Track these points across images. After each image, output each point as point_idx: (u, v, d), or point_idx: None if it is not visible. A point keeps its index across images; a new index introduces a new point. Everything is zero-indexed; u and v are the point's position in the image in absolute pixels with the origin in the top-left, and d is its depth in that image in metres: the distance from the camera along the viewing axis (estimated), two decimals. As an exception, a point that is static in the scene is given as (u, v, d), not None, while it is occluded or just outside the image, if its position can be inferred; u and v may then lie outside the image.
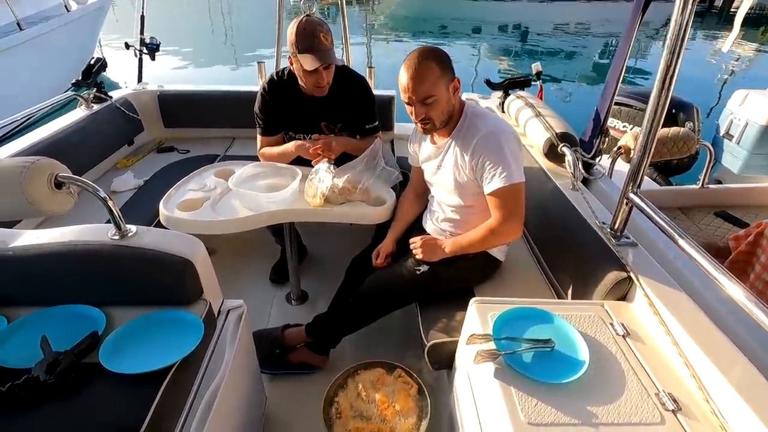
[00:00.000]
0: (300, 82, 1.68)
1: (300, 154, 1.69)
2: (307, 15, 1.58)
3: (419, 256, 1.41)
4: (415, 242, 1.44)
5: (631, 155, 1.94)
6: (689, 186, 2.27)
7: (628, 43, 1.62)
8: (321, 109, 1.75)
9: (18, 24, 4.87)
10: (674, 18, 1.01)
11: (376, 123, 1.87)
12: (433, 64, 1.22)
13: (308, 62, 1.53)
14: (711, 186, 2.23)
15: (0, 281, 1.08)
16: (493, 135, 1.26)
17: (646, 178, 2.50)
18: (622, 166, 2.19)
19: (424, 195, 1.62)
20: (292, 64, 1.63)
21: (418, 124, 1.31)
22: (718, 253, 1.81)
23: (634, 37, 1.63)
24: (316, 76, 1.59)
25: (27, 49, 5.04)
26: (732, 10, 17.79)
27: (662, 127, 2.06)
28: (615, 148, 1.81)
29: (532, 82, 2.59)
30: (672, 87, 1.07)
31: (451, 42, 11.61)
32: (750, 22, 15.72)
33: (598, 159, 1.82)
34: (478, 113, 1.35)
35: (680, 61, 1.04)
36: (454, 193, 1.39)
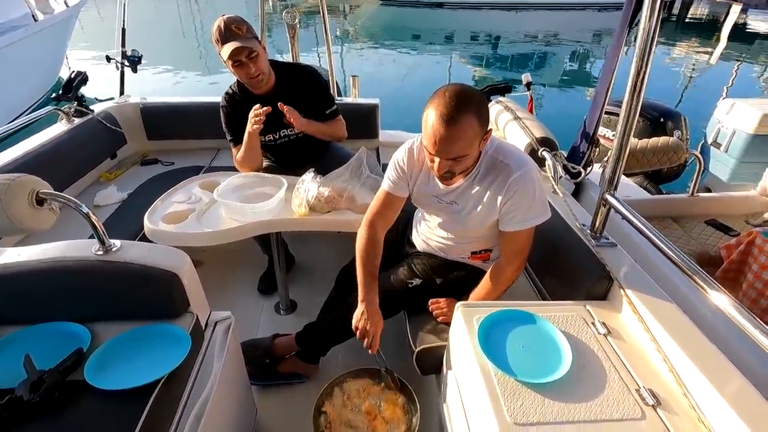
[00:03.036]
0: (241, 81, 1.75)
1: (252, 126, 1.68)
2: (225, 15, 1.66)
3: (443, 319, 1.37)
4: (440, 308, 1.39)
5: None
6: (679, 195, 2.30)
7: (617, 53, 1.62)
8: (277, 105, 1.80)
9: None
10: (642, 24, 1.05)
11: (335, 107, 1.93)
12: (473, 120, 1.04)
13: (225, 51, 1.60)
14: (701, 194, 2.24)
15: None
16: (527, 175, 1.16)
17: (637, 186, 2.56)
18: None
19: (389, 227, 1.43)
20: (226, 65, 1.68)
21: (435, 172, 1.16)
22: (710, 261, 1.82)
23: (623, 47, 1.64)
24: (244, 68, 1.65)
25: None
26: (689, 17, 18.48)
27: (651, 137, 2.10)
28: (605, 158, 1.83)
29: (522, 93, 2.63)
30: (643, 91, 1.10)
31: (425, 50, 11.80)
32: (705, 28, 16.34)
33: (588, 169, 1.83)
34: (497, 147, 1.22)
35: (650, 65, 1.08)
36: (461, 227, 1.33)
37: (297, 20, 2.58)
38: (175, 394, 0.99)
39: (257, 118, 1.64)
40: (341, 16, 17.52)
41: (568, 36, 13.93)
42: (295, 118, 1.70)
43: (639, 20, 1.07)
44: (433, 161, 1.13)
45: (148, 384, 0.92)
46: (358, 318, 1.31)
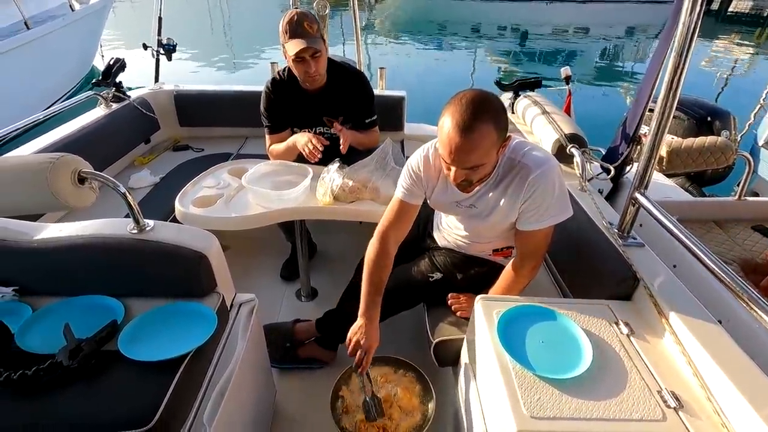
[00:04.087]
0: (296, 75, 1.75)
1: (298, 147, 1.74)
2: (296, 8, 1.68)
3: (462, 314, 1.37)
4: (460, 303, 1.39)
5: (664, 164, 1.89)
6: (725, 198, 2.18)
7: (666, 46, 1.53)
8: (321, 103, 1.82)
9: (25, 23, 4.99)
10: (682, 20, 1.01)
11: (375, 117, 1.93)
12: (490, 129, 1.00)
13: (292, 46, 1.60)
14: (749, 198, 2.12)
15: (24, 272, 1.14)
16: (545, 174, 1.12)
17: (678, 187, 2.47)
18: (655, 175, 2.15)
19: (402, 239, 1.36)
20: (286, 56, 1.70)
21: (452, 180, 1.13)
22: (756, 269, 1.72)
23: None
24: (304, 65, 1.65)
25: (33, 48, 5.17)
26: (729, 11, 17.49)
27: (697, 136, 2.00)
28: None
29: (561, 87, 2.54)
30: (680, 89, 1.07)
31: (451, 43, 11.65)
32: (747, 23, 15.40)
33: (628, 168, 1.76)
34: (514, 147, 1.18)
35: (688, 63, 1.04)
36: (481, 228, 1.32)
37: (328, 11, 2.60)
38: (201, 369, 1.03)
39: (312, 155, 1.67)
40: (366, 8, 17.45)
41: (600, 30, 13.51)
42: (345, 144, 1.72)
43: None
44: (449, 169, 1.09)
45: (176, 358, 0.96)
46: (354, 331, 1.23)
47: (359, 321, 1.24)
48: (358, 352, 1.19)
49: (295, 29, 1.60)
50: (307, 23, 1.61)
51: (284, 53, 1.68)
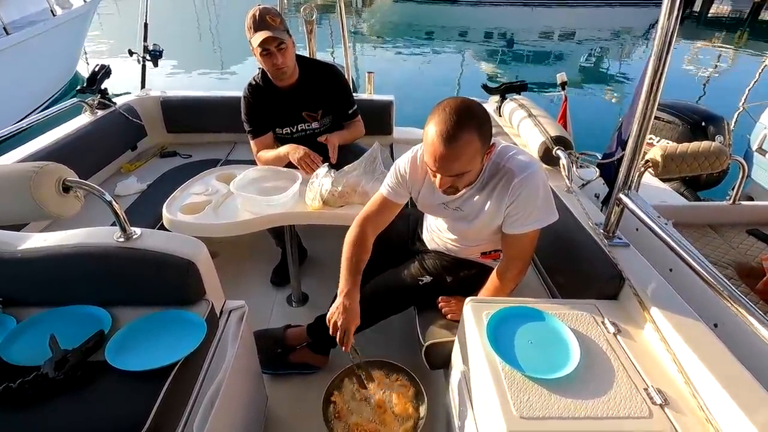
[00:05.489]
0: (266, 70, 1.76)
1: (291, 159, 1.75)
2: (260, 5, 1.70)
3: (452, 317, 1.37)
4: (450, 305, 1.39)
5: (659, 168, 1.93)
6: (720, 202, 2.21)
7: None
8: (299, 99, 1.84)
9: (4, 28, 4.92)
10: (661, 23, 1.04)
11: (356, 106, 1.96)
12: (474, 138, 1.02)
13: (256, 39, 1.62)
14: (743, 203, 2.15)
15: (9, 282, 1.12)
16: (530, 178, 1.14)
17: (673, 192, 2.51)
18: (651, 180, 2.18)
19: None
20: (254, 52, 1.71)
21: (437, 187, 1.15)
22: (751, 273, 1.75)
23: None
24: (271, 57, 1.67)
25: (13, 54, 5.10)
26: (710, 14, 17.91)
27: (692, 141, 2.04)
28: (642, 162, 1.79)
29: (557, 93, 2.55)
30: (659, 92, 1.09)
31: (439, 47, 11.76)
32: (727, 26, 15.77)
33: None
34: (500, 151, 1.20)
35: (667, 66, 1.07)
36: (468, 231, 1.33)
37: (315, 16, 2.60)
38: (190, 378, 1.03)
39: (306, 165, 1.68)
40: (354, 13, 17.48)
41: (586, 34, 13.71)
42: (333, 153, 1.75)
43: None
44: (435, 176, 1.12)
45: (165, 367, 0.95)
46: (332, 312, 1.23)
47: (338, 300, 1.24)
48: (338, 333, 1.20)
49: (259, 24, 1.63)
50: (270, 17, 1.63)
51: (252, 50, 1.69)
